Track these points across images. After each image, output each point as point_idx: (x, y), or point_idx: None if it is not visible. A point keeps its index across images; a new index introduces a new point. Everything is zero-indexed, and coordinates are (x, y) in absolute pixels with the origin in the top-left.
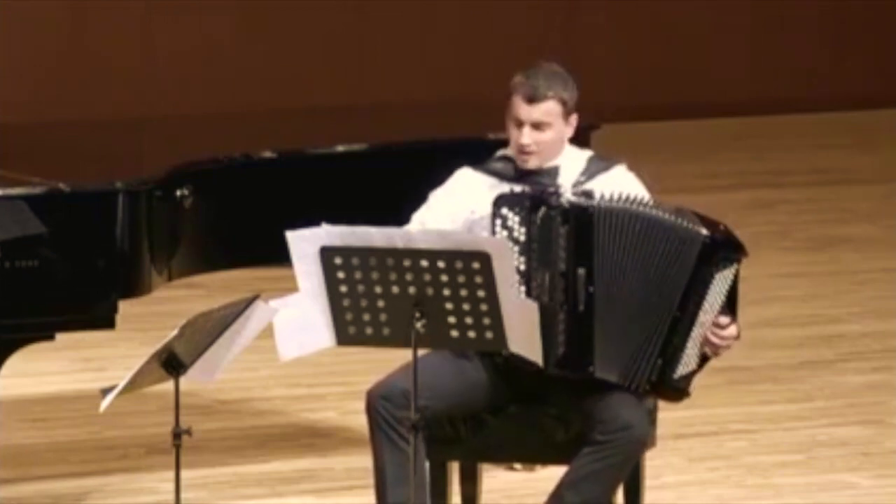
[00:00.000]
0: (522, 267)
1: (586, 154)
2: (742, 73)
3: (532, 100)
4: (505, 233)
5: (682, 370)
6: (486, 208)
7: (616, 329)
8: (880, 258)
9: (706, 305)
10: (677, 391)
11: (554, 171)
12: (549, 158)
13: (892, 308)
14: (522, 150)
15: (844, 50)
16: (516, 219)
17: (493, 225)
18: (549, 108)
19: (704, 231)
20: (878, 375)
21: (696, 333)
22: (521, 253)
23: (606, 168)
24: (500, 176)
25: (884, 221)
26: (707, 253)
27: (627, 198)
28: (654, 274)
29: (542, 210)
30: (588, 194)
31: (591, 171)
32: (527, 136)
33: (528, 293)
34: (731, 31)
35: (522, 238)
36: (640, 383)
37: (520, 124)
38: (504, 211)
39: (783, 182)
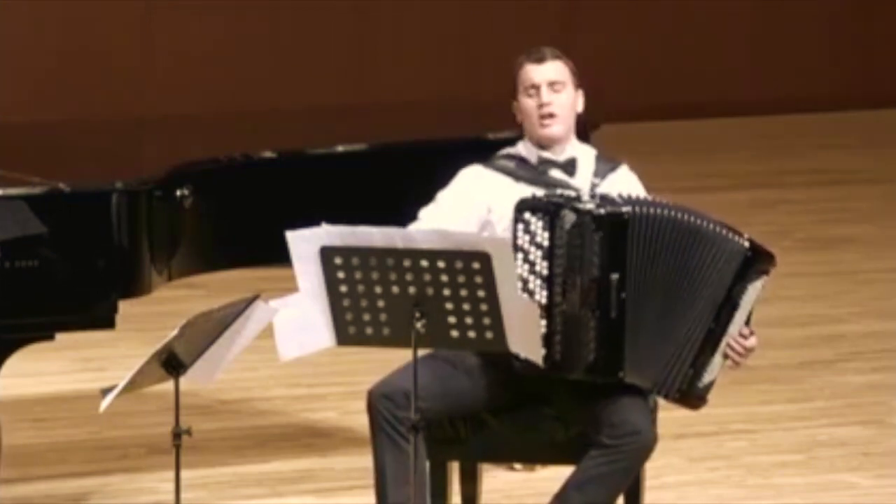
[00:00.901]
0: (545, 272)
1: (592, 151)
2: (742, 73)
3: (542, 59)
4: (527, 237)
5: (707, 379)
6: (505, 208)
7: (647, 335)
8: (880, 258)
9: (737, 317)
10: (700, 399)
11: (571, 164)
12: (567, 131)
13: (892, 308)
14: (544, 113)
15: (844, 50)
16: (539, 224)
17: (515, 230)
18: (559, 67)
19: (746, 244)
20: (878, 375)
21: (724, 344)
22: (543, 258)
23: (613, 168)
24: (515, 175)
25: (884, 221)
26: (747, 265)
27: (660, 201)
28: (689, 282)
29: (572, 216)
30: (607, 197)
31: (601, 171)
32: (546, 94)
33: (551, 298)
34: (732, 31)
35: (546, 243)
36: (670, 391)
37: (536, 87)
38: (527, 216)
39: (783, 182)
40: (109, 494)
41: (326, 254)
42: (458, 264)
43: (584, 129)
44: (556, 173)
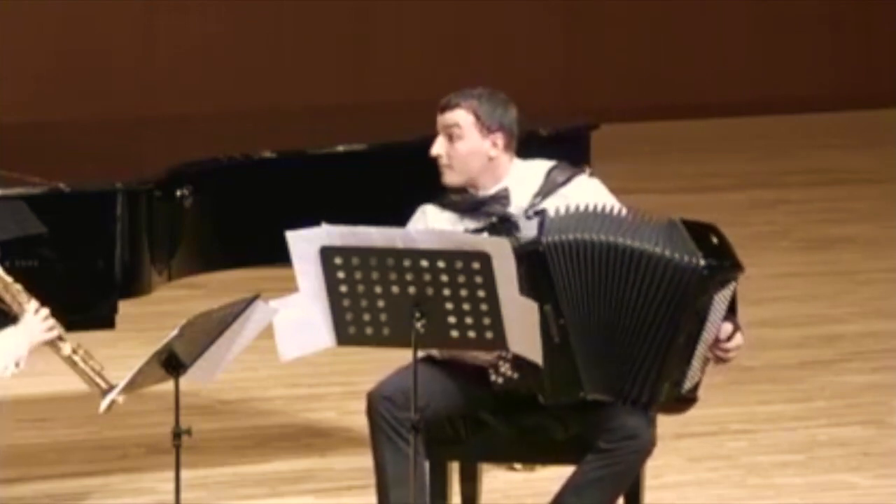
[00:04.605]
0: None
1: (545, 166)
2: (742, 73)
3: (443, 108)
4: (484, 237)
5: (688, 384)
6: None
7: (599, 355)
8: (880, 258)
9: (708, 324)
10: (688, 402)
11: (503, 194)
12: (470, 175)
13: (892, 308)
14: (437, 163)
15: (844, 50)
16: None
17: None
18: (456, 116)
19: (702, 262)
20: (878, 375)
21: (701, 351)
22: None
23: (566, 181)
24: (457, 209)
25: (884, 221)
26: (706, 282)
27: (585, 222)
28: (630, 302)
29: None
30: (541, 214)
31: (547, 188)
32: (437, 146)
33: None
34: (732, 31)
35: None
36: (649, 405)
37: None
38: None
39: (783, 182)
40: (109, 494)
41: (326, 254)
42: (458, 264)
43: (585, 131)
44: (491, 206)
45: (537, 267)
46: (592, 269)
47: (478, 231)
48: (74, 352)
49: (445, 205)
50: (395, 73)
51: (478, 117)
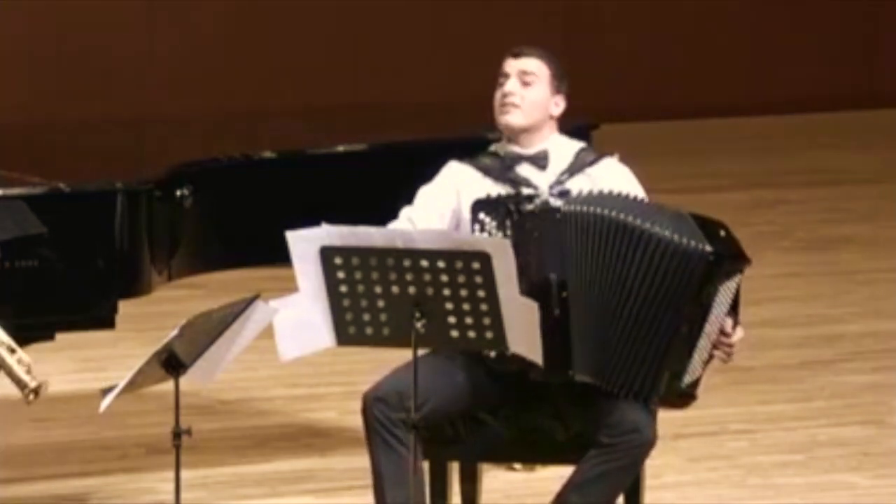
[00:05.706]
0: None
1: (577, 146)
2: (742, 73)
3: (518, 55)
4: (485, 237)
5: (688, 379)
6: (469, 200)
7: (595, 336)
8: (879, 258)
9: (711, 317)
10: (688, 397)
11: (542, 156)
12: (531, 125)
13: (892, 308)
14: (505, 101)
15: (844, 50)
16: (493, 224)
17: (472, 230)
18: (534, 64)
19: (708, 248)
20: (878, 375)
21: (703, 344)
22: None
23: (595, 161)
24: (486, 171)
25: (883, 221)
26: (712, 270)
27: (605, 201)
28: (636, 285)
29: (516, 216)
30: (564, 193)
31: (576, 166)
32: (511, 84)
33: None
34: (732, 31)
35: None
36: (648, 396)
37: (506, 77)
38: (482, 216)
39: (783, 182)
40: (109, 494)
41: (326, 254)
42: (458, 264)
43: (585, 131)
44: (524, 168)
45: (552, 234)
46: (602, 244)
47: (498, 198)
48: (12, 350)
49: (473, 164)
50: (393, 74)
51: (553, 74)
